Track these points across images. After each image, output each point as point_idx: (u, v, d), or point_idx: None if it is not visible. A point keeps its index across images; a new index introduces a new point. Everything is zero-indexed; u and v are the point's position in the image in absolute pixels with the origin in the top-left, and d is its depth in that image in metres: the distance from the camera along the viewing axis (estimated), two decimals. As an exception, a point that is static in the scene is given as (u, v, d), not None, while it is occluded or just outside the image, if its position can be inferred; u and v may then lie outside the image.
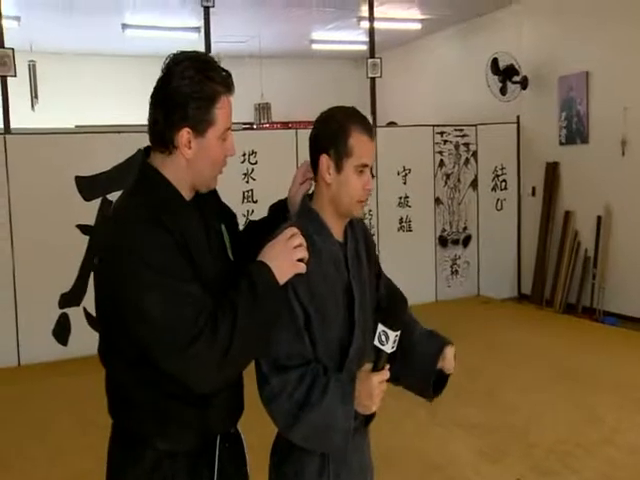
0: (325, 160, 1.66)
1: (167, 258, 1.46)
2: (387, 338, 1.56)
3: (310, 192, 1.79)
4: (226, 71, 1.58)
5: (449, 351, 1.79)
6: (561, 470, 3.48)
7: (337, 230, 1.73)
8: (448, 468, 3.52)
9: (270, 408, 1.62)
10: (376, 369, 1.58)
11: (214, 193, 1.73)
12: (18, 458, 3.82)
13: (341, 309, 1.69)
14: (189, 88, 1.51)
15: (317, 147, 1.69)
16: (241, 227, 1.89)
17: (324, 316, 1.65)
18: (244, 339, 1.47)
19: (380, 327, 1.58)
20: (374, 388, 1.56)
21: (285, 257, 1.55)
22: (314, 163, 1.71)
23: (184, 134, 1.53)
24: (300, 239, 1.57)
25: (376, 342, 1.58)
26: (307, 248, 1.59)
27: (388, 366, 1.59)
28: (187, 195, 1.61)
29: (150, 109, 1.56)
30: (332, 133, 1.66)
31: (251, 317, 1.48)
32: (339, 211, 1.71)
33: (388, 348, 1.57)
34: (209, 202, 1.68)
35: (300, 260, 1.57)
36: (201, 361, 1.44)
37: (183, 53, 1.56)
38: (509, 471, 3.49)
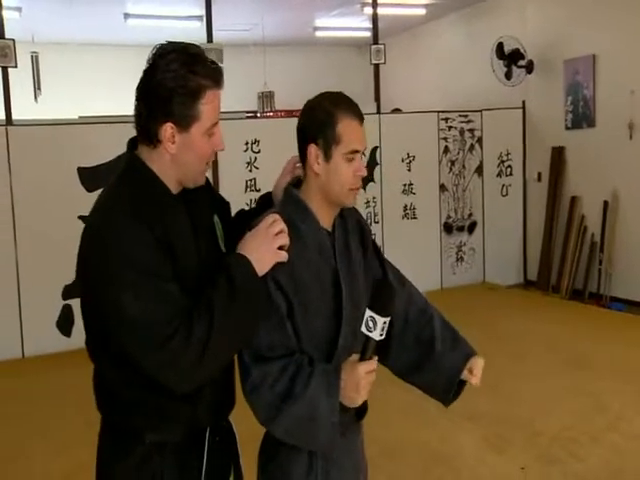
0: (313, 149, 1.61)
1: (146, 255, 1.43)
2: (375, 324, 1.49)
3: (294, 182, 1.75)
4: (215, 64, 1.54)
5: (479, 364, 1.73)
6: (566, 458, 3.46)
7: (326, 220, 1.68)
8: (453, 459, 3.50)
9: (251, 399, 1.57)
10: (363, 358, 1.51)
11: (206, 184, 1.69)
12: (22, 451, 3.83)
13: (328, 300, 1.64)
14: (173, 82, 1.47)
15: (304, 137, 1.64)
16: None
17: (308, 305, 1.61)
18: (222, 336, 1.45)
19: (368, 312, 1.50)
20: (361, 379, 1.50)
21: (266, 247, 1.52)
22: (302, 153, 1.66)
23: (167, 129, 1.49)
24: (281, 226, 1.54)
25: (363, 328, 1.50)
26: (289, 235, 1.55)
27: (376, 357, 1.54)
28: (174, 189, 1.58)
29: (135, 100, 1.53)
30: (319, 121, 1.60)
31: (229, 313, 1.46)
32: (329, 200, 1.65)
33: (376, 335, 1.49)
34: (200, 195, 1.65)
35: (281, 248, 1.54)
36: (176, 361, 1.42)
37: (171, 44, 1.52)
38: (514, 461, 3.47)
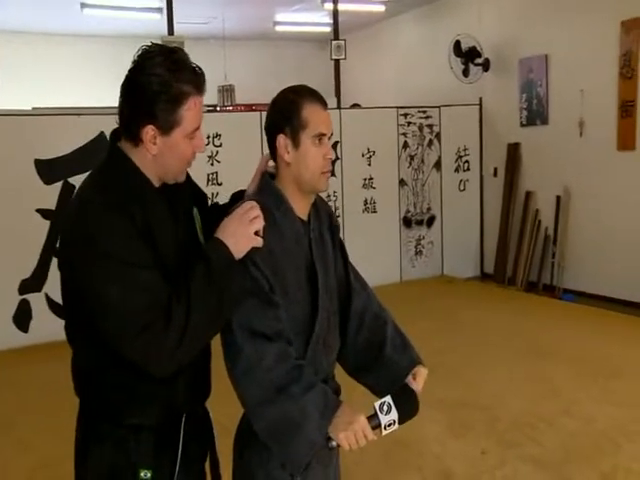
0: (282, 140, 1.65)
1: (127, 245, 1.46)
2: (389, 411, 1.55)
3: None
4: (199, 70, 1.56)
5: (422, 373, 1.77)
6: (524, 442, 3.58)
7: (301, 210, 1.71)
8: (415, 444, 3.59)
9: (242, 380, 1.56)
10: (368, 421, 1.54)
11: (186, 177, 1.71)
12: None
13: (304, 288, 1.68)
14: (157, 86, 1.49)
15: (272, 129, 1.68)
16: None
17: (286, 292, 1.63)
18: (201, 318, 1.48)
19: (388, 399, 1.57)
20: (357, 423, 1.52)
21: (242, 232, 1.55)
22: (272, 147, 1.70)
23: (149, 131, 1.52)
24: (257, 211, 1.57)
25: (376, 404, 1.56)
26: (266, 222, 1.58)
27: (375, 437, 1.56)
28: (155, 182, 1.61)
29: (119, 98, 1.55)
30: (284, 111, 1.65)
31: (206, 296, 1.49)
32: (302, 188, 1.69)
33: (383, 419, 1.55)
34: (180, 187, 1.67)
35: (257, 234, 1.57)
36: (156, 346, 1.45)
37: (158, 47, 1.55)
38: (474, 445, 3.58)
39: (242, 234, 1.55)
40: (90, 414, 1.63)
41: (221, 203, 1.90)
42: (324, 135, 1.67)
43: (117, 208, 1.48)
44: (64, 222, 1.57)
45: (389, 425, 1.56)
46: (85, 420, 1.64)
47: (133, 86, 1.52)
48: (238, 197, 1.86)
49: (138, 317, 1.43)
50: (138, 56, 1.53)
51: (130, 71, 1.53)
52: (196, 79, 1.54)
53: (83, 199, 1.54)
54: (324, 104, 1.69)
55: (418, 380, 1.76)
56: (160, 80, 1.49)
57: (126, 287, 1.44)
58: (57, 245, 1.60)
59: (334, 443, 1.54)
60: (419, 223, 7.34)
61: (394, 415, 1.56)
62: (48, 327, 4.87)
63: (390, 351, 1.80)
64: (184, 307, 1.46)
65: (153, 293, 1.46)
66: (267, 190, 1.70)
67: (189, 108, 1.53)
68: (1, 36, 8.18)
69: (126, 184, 1.54)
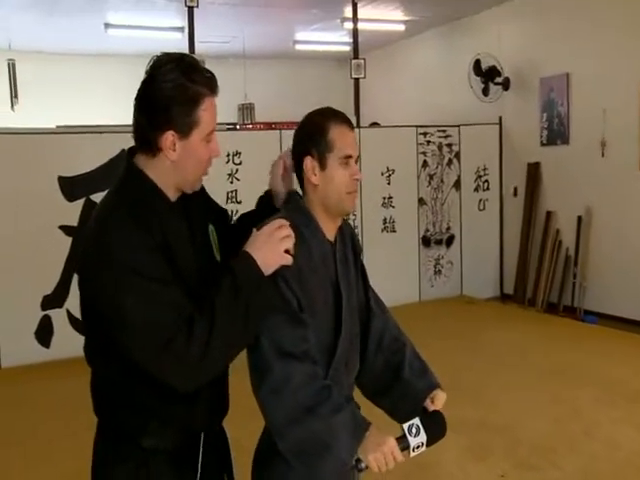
0: (309, 161, 1.67)
1: (148, 260, 1.46)
2: (417, 433, 1.56)
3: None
4: (210, 73, 1.58)
5: (441, 397, 1.76)
6: (544, 466, 3.52)
7: (328, 231, 1.73)
8: (435, 467, 3.54)
9: (269, 399, 1.55)
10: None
11: (202, 193, 1.73)
12: (1, 460, 3.78)
13: (330, 308, 1.69)
14: (172, 91, 1.51)
15: (299, 151, 1.70)
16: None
17: (314, 312, 1.63)
18: (225, 333, 1.47)
19: (417, 421, 1.57)
20: (387, 447, 1.51)
21: (271, 247, 1.54)
22: (299, 169, 1.71)
23: (168, 137, 1.53)
24: (288, 230, 1.56)
25: (405, 426, 1.56)
26: (296, 240, 1.58)
27: (404, 459, 1.56)
28: (172, 196, 1.62)
29: (134, 112, 1.57)
30: (311, 133, 1.67)
31: (231, 312, 1.48)
32: (330, 210, 1.70)
33: (412, 441, 1.55)
34: (196, 202, 1.69)
35: (287, 252, 1.56)
36: (179, 361, 1.45)
37: (167, 55, 1.57)
38: (494, 468, 3.52)
39: (270, 249, 1.54)
40: (109, 434, 1.62)
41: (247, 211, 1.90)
42: (351, 157, 1.69)
43: (135, 223, 1.49)
44: (83, 239, 1.58)
45: (417, 447, 1.56)
46: (104, 440, 1.64)
47: (148, 95, 1.54)
48: (265, 200, 1.87)
49: (161, 332, 1.43)
50: (150, 67, 1.55)
51: (143, 82, 1.55)
52: (209, 80, 1.56)
53: (101, 216, 1.55)
54: (350, 125, 1.71)
55: (436, 404, 1.75)
56: (174, 84, 1.51)
57: (148, 301, 1.44)
58: (78, 263, 1.60)
59: (363, 465, 1.53)
60: (438, 242, 7.31)
61: (423, 437, 1.56)
62: (69, 343, 4.91)
63: (408, 374, 1.79)
64: (208, 321, 1.45)
65: (175, 307, 1.46)
66: (296, 208, 1.72)
67: (206, 108, 1.55)
68: (26, 56, 8.32)
69: (143, 199, 1.55)
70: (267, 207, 1.84)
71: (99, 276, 1.48)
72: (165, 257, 1.50)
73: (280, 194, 1.81)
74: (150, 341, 1.44)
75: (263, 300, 1.54)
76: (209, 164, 1.64)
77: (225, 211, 1.86)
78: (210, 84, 1.56)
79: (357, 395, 1.84)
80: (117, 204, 1.55)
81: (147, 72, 1.55)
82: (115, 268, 1.45)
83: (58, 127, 7.04)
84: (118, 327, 1.47)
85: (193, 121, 1.54)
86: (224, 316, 1.47)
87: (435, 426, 1.62)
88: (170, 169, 1.57)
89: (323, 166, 1.67)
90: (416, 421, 1.57)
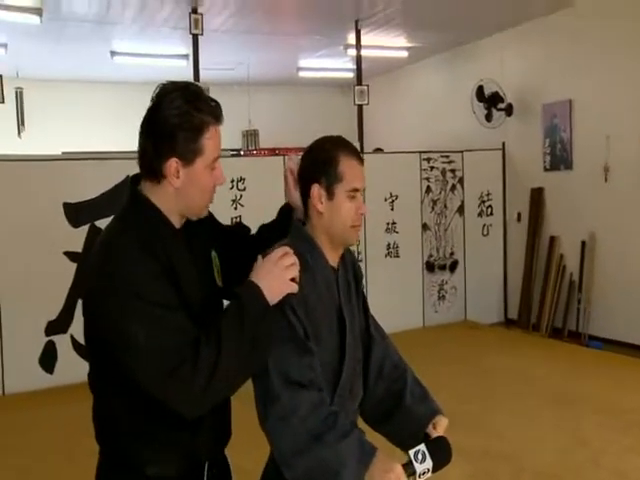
0: (317, 189, 1.68)
1: (153, 286, 1.47)
2: (424, 459, 1.56)
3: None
4: (215, 101, 1.61)
5: (443, 423, 1.77)
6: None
7: (331, 259, 1.74)
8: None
9: (276, 427, 1.54)
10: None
11: (209, 219, 1.74)
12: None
13: (334, 335, 1.69)
14: (178, 119, 1.53)
15: (307, 177, 1.71)
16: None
17: (319, 339, 1.64)
18: (231, 359, 1.47)
19: (423, 447, 1.58)
20: (394, 474, 1.51)
21: (276, 276, 1.54)
22: (305, 194, 1.72)
23: (172, 164, 1.54)
24: (293, 258, 1.57)
25: (411, 452, 1.57)
26: (301, 267, 1.58)
27: None
28: (177, 222, 1.63)
29: (139, 138, 1.59)
30: (321, 162, 1.68)
31: (237, 339, 1.48)
32: (333, 241, 1.72)
33: (418, 467, 1.56)
34: (200, 229, 1.70)
35: (292, 280, 1.57)
36: (185, 387, 1.44)
37: (172, 83, 1.59)
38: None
39: (275, 277, 1.55)
40: (112, 462, 1.61)
41: (266, 223, 1.93)
42: (358, 190, 1.70)
43: (144, 250, 1.50)
44: (88, 265, 1.59)
45: (423, 473, 1.57)
46: (107, 469, 1.63)
47: (154, 122, 1.55)
48: (285, 210, 1.90)
49: (166, 358, 1.43)
50: (156, 95, 1.57)
51: (149, 110, 1.57)
52: (214, 109, 1.58)
53: (106, 242, 1.56)
54: (360, 159, 1.73)
55: (438, 430, 1.75)
56: (180, 112, 1.52)
57: (153, 328, 1.44)
58: (82, 289, 1.60)
59: None
60: (442, 268, 7.30)
61: (429, 463, 1.57)
62: (73, 369, 4.88)
63: (409, 400, 1.79)
64: (214, 349, 1.45)
65: (181, 333, 1.46)
66: (299, 235, 1.73)
67: (210, 137, 1.56)
68: (33, 83, 8.42)
69: (147, 225, 1.56)
70: (287, 217, 1.86)
71: (104, 302, 1.49)
72: (170, 282, 1.51)
73: (299, 206, 1.82)
74: (155, 367, 1.44)
75: (268, 329, 1.53)
76: (213, 192, 1.65)
77: (230, 233, 1.87)
78: (215, 113, 1.58)
79: (360, 422, 1.84)
80: (122, 230, 1.56)
81: (153, 99, 1.58)
82: (120, 294, 1.45)
83: (64, 153, 7.10)
84: (125, 353, 1.46)
85: (197, 149, 1.55)
86: (230, 344, 1.47)
87: (440, 452, 1.62)
88: (174, 196, 1.58)
89: (331, 196, 1.68)
90: (422, 447, 1.58)
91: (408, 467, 1.55)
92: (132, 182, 1.65)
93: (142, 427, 1.56)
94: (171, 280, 1.51)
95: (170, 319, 1.46)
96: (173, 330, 1.45)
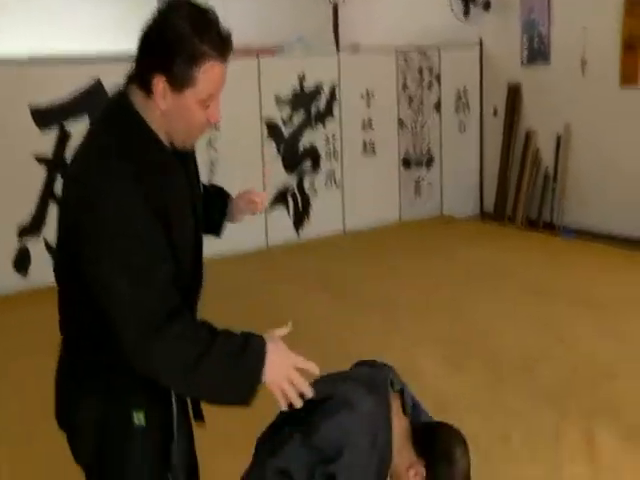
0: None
1: (142, 232, 1.41)
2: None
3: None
4: (227, 36, 1.46)
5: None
6: (521, 374, 3.68)
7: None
8: (415, 377, 3.67)
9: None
10: None
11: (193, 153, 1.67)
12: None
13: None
14: (177, 41, 1.41)
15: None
16: None
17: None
18: (203, 367, 1.41)
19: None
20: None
21: (280, 370, 1.46)
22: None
23: (159, 82, 1.43)
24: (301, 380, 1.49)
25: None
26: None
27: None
28: (166, 142, 1.53)
29: (138, 43, 1.47)
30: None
31: (221, 361, 1.42)
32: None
33: None
34: (192, 156, 1.64)
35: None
36: (143, 328, 1.40)
37: (188, 2, 1.45)
38: (472, 378, 3.68)
39: (279, 374, 1.46)
40: (76, 352, 1.59)
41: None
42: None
43: (134, 183, 1.41)
44: (70, 187, 1.53)
45: None
46: (69, 356, 1.61)
47: (153, 35, 1.44)
48: (224, 195, 1.93)
49: (146, 315, 1.40)
50: (166, 5, 1.45)
51: (152, 19, 1.45)
52: (220, 43, 1.44)
53: (92, 165, 1.46)
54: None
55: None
56: (182, 34, 1.40)
57: (139, 284, 1.40)
58: (62, 196, 1.57)
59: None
60: (418, 164, 7.35)
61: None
62: (47, 271, 4.86)
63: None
64: (204, 346, 1.41)
65: (165, 291, 1.42)
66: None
67: (205, 71, 1.43)
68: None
69: (139, 147, 1.47)
70: (221, 198, 1.90)
71: (89, 240, 1.43)
72: (161, 220, 1.45)
73: (238, 218, 1.89)
74: (138, 322, 1.41)
75: (234, 387, 1.45)
76: (204, 128, 1.54)
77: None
78: (220, 47, 1.44)
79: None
80: (109, 150, 1.45)
81: (160, 10, 1.45)
82: (108, 238, 1.40)
83: (31, 58, 6.84)
84: (105, 298, 1.43)
85: (187, 78, 1.43)
86: (216, 357, 1.41)
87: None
88: (159, 117, 1.48)
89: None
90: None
91: None
92: (121, 88, 1.53)
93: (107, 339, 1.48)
94: (162, 218, 1.45)
95: (157, 273, 1.41)
96: (154, 286, 1.41)
